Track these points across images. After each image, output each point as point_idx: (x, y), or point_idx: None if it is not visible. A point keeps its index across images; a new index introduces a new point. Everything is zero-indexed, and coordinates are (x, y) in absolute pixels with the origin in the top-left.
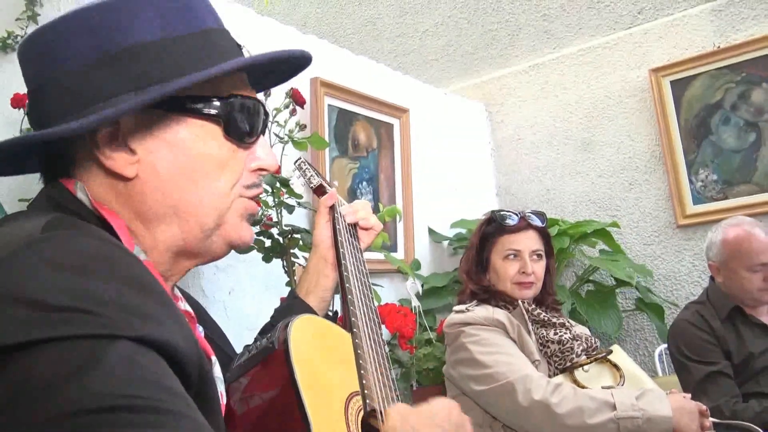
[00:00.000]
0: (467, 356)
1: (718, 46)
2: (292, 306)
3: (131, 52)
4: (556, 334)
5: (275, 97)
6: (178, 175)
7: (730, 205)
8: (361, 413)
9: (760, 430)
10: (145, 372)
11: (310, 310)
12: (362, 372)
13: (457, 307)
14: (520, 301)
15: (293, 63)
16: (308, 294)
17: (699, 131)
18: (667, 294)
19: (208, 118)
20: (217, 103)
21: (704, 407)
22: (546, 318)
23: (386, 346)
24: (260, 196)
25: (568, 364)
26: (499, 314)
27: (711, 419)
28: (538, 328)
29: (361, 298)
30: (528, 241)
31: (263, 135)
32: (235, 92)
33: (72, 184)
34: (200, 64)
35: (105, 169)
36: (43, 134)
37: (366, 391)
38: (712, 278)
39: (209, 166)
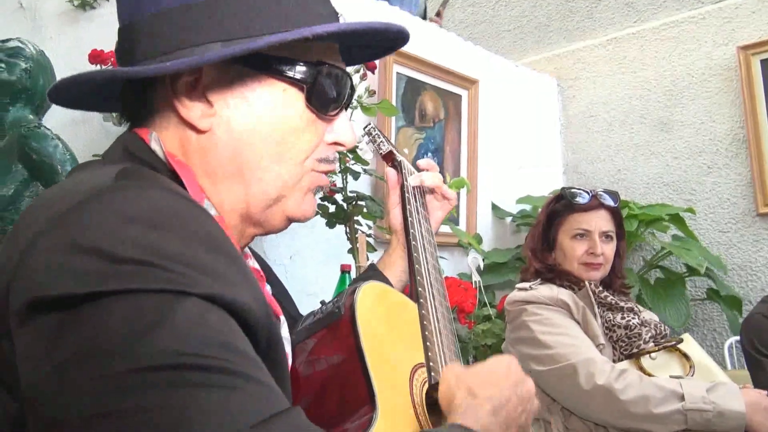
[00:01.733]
0: (528, 335)
1: None
2: (370, 277)
3: (223, 2)
4: (623, 318)
5: None
6: (251, 136)
7: None
8: (426, 385)
9: None
10: (215, 331)
11: (387, 282)
12: (428, 344)
13: (520, 285)
14: (586, 283)
15: (387, 39)
16: (388, 270)
17: None
18: (741, 284)
19: (293, 82)
20: (303, 68)
21: None
22: (613, 301)
23: (452, 319)
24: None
25: (635, 350)
26: (564, 294)
27: None
28: (604, 311)
29: (428, 269)
30: (599, 221)
31: (346, 110)
32: (324, 59)
33: (147, 134)
34: (293, 24)
35: (180, 119)
36: (127, 71)
37: (431, 364)
38: None
39: (285, 132)
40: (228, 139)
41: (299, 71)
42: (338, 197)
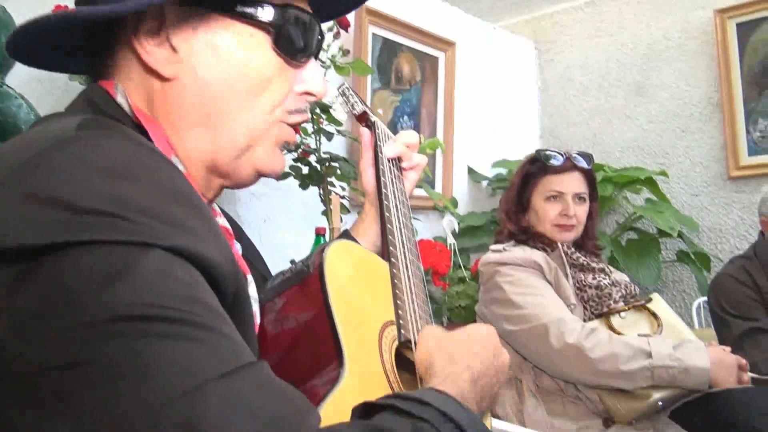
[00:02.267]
0: (501, 296)
1: None
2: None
3: None
4: (594, 278)
5: None
6: (218, 83)
7: None
8: (396, 343)
9: None
10: (180, 284)
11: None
12: (398, 302)
13: (493, 247)
14: (559, 244)
15: None
16: (361, 237)
17: (762, 79)
18: (710, 247)
19: (259, 25)
20: (270, 10)
21: (744, 361)
22: (585, 262)
23: (424, 280)
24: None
25: (605, 309)
26: (537, 256)
27: (749, 374)
28: (576, 272)
29: (400, 229)
30: (572, 183)
31: (315, 58)
32: (291, 2)
33: (112, 87)
34: None
35: (144, 67)
36: (81, 11)
37: (401, 321)
38: (762, 233)
39: (252, 79)
40: (194, 87)
41: (266, 14)
42: (312, 159)
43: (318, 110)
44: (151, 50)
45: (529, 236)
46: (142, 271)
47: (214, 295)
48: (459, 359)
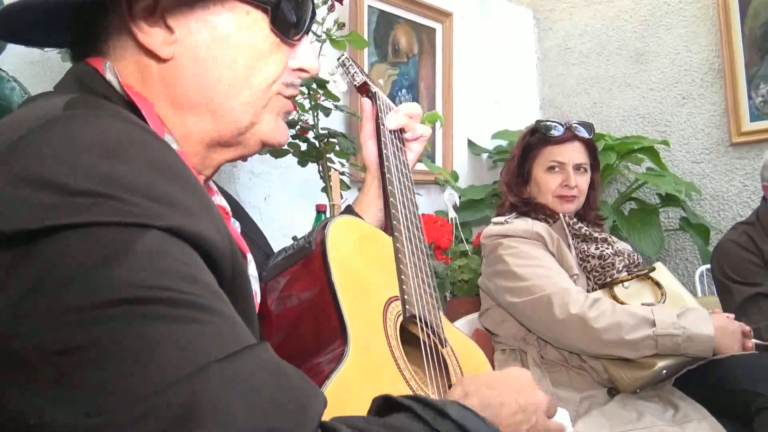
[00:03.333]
0: (504, 268)
1: None
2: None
3: None
4: (597, 248)
5: None
6: (217, 63)
7: None
8: (400, 318)
9: None
10: (178, 264)
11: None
12: (402, 277)
13: (495, 219)
14: (561, 215)
15: None
16: (364, 212)
17: (764, 42)
18: (713, 214)
19: (256, 4)
20: None
21: (747, 328)
22: (587, 232)
23: (428, 254)
24: (296, 98)
25: (608, 279)
26: (539, 227)
27: (754, 341)
28: (578, 243)
29: (404, 203)
30: (573, 153)
31: (307, 35)
32: None
33: (100, 64)
34: None
35: (139, 47)
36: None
37: (405, 297)
38: (764, 199)
39: (251, 58)
40: (193, 68)
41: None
42: (310, 135)
43: (315, 86)
44: (147, 30)
45: (530, 208)
46: (139, 252)
47: (212, 274)
48: (472, 391)
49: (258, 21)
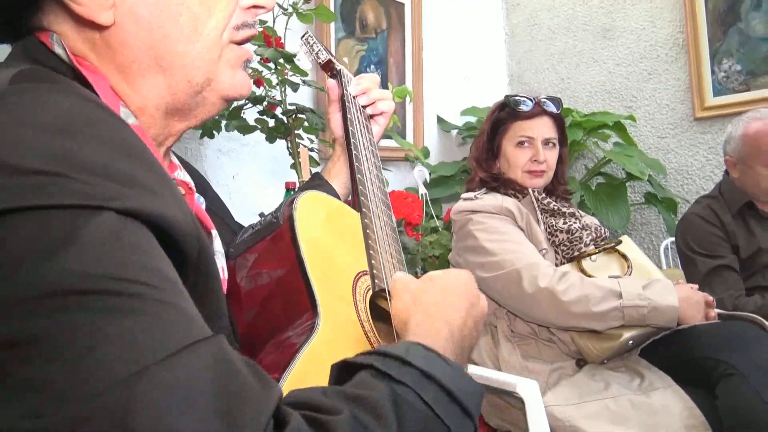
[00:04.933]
0: (474, 243)
1: None
2: (314, 187)
3: None
4: (565, 223)
5: None
6: (160, 18)
7: (752, 98)
8: (370, 293)
9: (764, 320)
10: (132, 251)
11: (332, 190)
12: (371, 252)
13: (465, 195)
14: (530, 190)
15: None
16: (333, 179)
17: (727, 17)
18: (677, 188)
19: None
20: None
21: (710, 298)
22: (556, 207)
23: (396, 229)
24: (263, 74)
25: (576, 253)
26: (508, 202)
27: (717, 310)
28: (547, 217)
29: (371, 179)
30: (542, 128)
31: None
32: None
33: (47, 37)
34: None
35: (76, 18)
36: None
37: (374, 271)
38: (726, 172)
39: (195, 6)
40: (136, 29)
41: None
42: (278, 111)
43: (282, 60)
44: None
45: (500, 183)
46: (89, 237)
47: (169, 261)
48: (436, 313)
49: None
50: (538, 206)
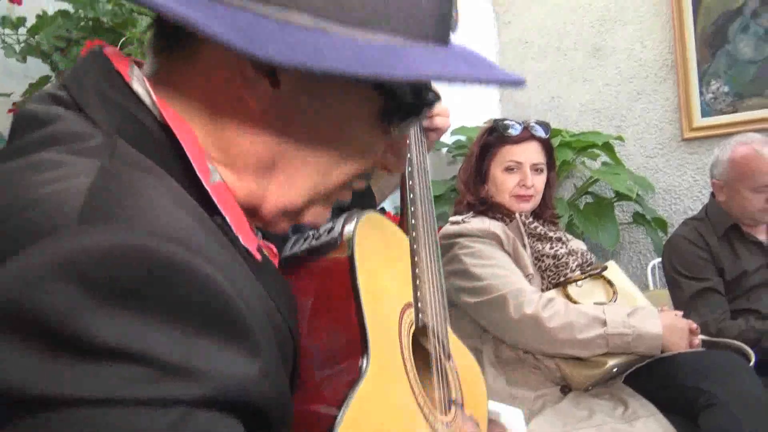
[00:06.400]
0: (461, 268)
1: None
2: (365, 204)
3: None
4: (551, 248)
5: None
6: (306, 137)
7: (739, 119)
8: (413, 327)
9: (748, 348)
10: None
11: (372, 198)
12: (417, 282)
13: (453, 218)
14: (517, 214)
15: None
16: (373, 184)
17: (715, 39)
18: (665, 208)
19: (382, 91)
20: (406, 92)
21: (695, 325)
22: (542, 232)
23: (441, 256)
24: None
25: (562, 278)
26: (495, 227)
27: (700, 337)
28: (533, 242)
29: (423, 202)
30: (530, 153)
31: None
32: (428, 83)
33: (125, 67)
34: (406, 28)
35: (225, 81)
36: (159, 4)
37: (419, 304)
38: (712, 194)
39: (345, 145)
40: (277, 129)
41: (397, 85)
42: None
43: None
44: (251, 74)
45: (487, 207)
46: None
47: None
48: None
49: (368, 104)
50: (525, 231)
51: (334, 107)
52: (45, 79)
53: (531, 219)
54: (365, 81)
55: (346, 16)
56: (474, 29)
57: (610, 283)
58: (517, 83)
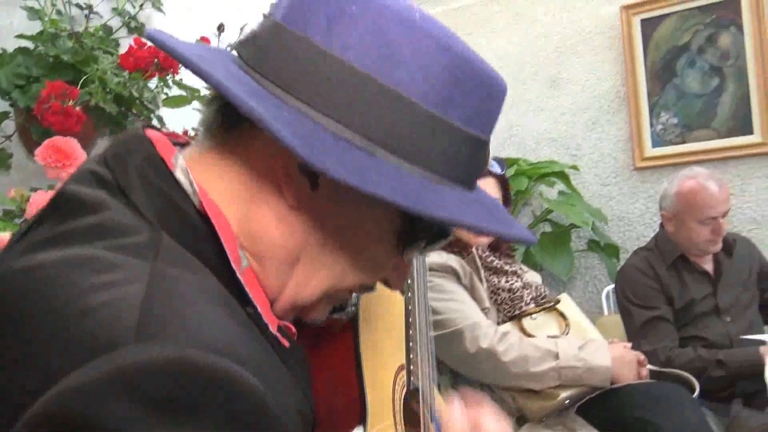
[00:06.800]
0: None
1: None
2: None
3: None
4: (507, 282)
5: (230, 33)
6: (333, 240)
7: (688, 150)
8: (404, 390)
9: (693, 379)
10: None
11: None
12: (410, 344)
13: None
14: (474, 248)
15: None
16: None
17: (664, 73)
18: (619, 235)
19: (403, 213)
20: (431, 228)
21: (642, 357)
22: (498, 265)
23: (431, 323)
24: None
25: (517, 312)
26: (453, 261)
27: (648, 367)
28: (489, 276)
29: (419, 270)
30: (486, 190)
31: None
32: (461, 218)
33: (170, 154)
34: (443, 169)
35: (268, 172)
36: (232, 94)
37: (412, 367)
38: (661, 225)
39: (367, 255)
40: (307, 227)
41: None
42: None
43: None
44: (294, 172)
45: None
46: None
47: None
48: None
49: (390, 224)
50: (482, 264)
51: (360, 219)
52: (3, 115)
53: (487, 252)
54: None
55: (395, 145)
56: None
57: (563, 315)
58: (531, 242)
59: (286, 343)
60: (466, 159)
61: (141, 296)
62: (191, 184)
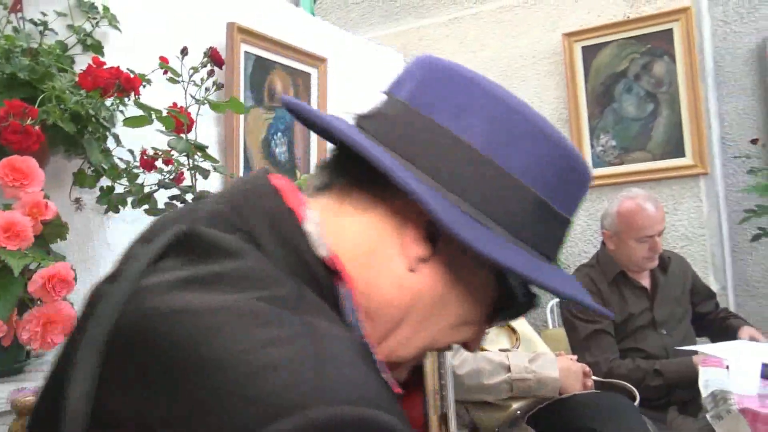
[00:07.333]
0: None
1: (629, 17)
2: None
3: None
4: None
5: (193, 56)
6: (433, 300)
7: (625, 171)
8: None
9: (634, 389)
10: None
11: None
12: (442, 371)
13: None
14: None
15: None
16: None
17: (603, 98)
18: (562, 250)
19: (501, 282)
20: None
21: (587, 368)
22: None
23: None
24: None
25: None
26: None
27: (593, 378)
28: None
29: None
30: None
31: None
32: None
33: (301, 206)
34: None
35: (385, 236)
36: (366, 151)
37: (444, 392)
38: (603, 243)
39: (457, 318)
40: (416, 290)
41: (522, 287)
42: (188, 196)
43: (193, 147)
44: (412, 234)
45: None
46: None
47: None
48: None
49: (488, 293)
50: None
51: (464, 285)
52: None
53: None
54: (517, 277)
55: (507, 222)
56: (385, 80)
57: (513, 330)
58: (602, 311)
59: (400, 391)
60: (559, 239)
61: (312, 356)
62: (320, 238)
